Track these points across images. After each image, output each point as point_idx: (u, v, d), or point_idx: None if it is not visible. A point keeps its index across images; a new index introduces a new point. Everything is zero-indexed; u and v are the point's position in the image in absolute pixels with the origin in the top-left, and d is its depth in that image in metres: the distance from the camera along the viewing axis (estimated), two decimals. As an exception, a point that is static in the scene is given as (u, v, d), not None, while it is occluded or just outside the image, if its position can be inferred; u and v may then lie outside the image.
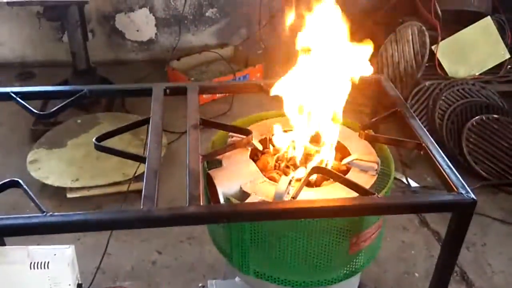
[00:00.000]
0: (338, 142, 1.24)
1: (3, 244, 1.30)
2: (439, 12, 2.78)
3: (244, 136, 1.19)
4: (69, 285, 1.05)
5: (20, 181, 0.99)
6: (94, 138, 1.14)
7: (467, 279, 1.92)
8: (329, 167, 1.18)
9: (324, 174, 1.13)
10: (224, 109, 2.91)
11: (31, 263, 1.02)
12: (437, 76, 2.81)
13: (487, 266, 1.98)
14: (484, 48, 2.89)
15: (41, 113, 1.31)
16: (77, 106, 2.62)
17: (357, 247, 1.16)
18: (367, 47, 1.13)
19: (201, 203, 0.96)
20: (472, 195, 1.00)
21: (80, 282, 1.09)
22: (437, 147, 1.14)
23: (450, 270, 1.11)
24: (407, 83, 2.79)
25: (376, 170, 1.16)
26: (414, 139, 1.18)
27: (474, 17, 2.89)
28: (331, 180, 1.13)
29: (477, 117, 2.53)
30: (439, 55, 2.82)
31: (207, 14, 3.48)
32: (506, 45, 2.91)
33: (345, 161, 1.21)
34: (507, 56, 2.91)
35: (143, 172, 1.04)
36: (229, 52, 3.43)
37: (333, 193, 1.09)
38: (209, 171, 1.14)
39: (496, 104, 2.65)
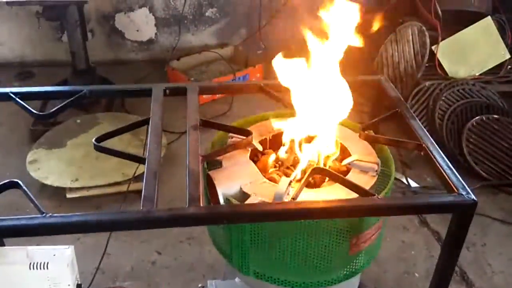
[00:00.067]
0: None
1: (2, 244, 1.30)
2: (439, 12, 2.77)
3: (244, 137, 1.18)
4: (69, 285, 1.05)
5: (19, 182, 0.99)
6: (94, 138, 1.14)
7: (467, 279, 1.91)
8: (329, 168, 1.18)
9: (324, 175, 1.13)
10: (224, 109, 2.91)
11: (30, 263, 1.02)
12: (437, 76, 2.81)
13: (487, 266, 1.98)
14: (484, 48, 2.89)
15: (41, 113, 1.31)
16: (77, 106, 2.62)
17: (357, 248, 1.16)
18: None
19: (201, 204, 0.96)
20: (473, 196, 0.99)
21: (79, 283, 1.09)
22: (438, 148, 1.14)
23: (450, 271, 1.11)
24: (407, 83, 2.79)
25: (376, 171, 1.16)
26: (414, 140, 1.18)
27: (474, 17, 2.88)
28: (331, 181, 1.13)
29: (477, 118, 2.53)
30: (439, 55, 2.82)
31: (207, 14, 3.48)
32: (506, 45, 2.91)
33: (345, 161, 1.20)
34: (507, 56, 2.91)
35: (143, 172, 1.04)
36: (229, 52, 3.42)
37: (333, 194, 1.09)
38: (209, 172, 1.13)
39: (496, 105, 2.65)
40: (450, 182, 1.04)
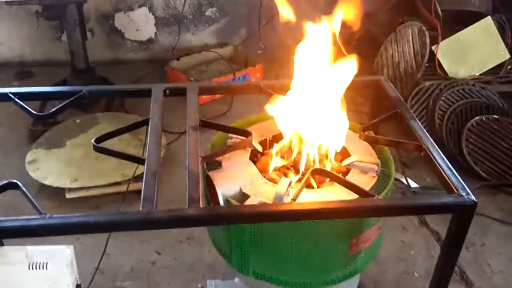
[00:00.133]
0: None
1: (2, 244, 1.30)
2: (439, 12, 2.77)
3: (244, 138, 1.18)
4: (68, 285, 1.04)
5: (18, 183, 0.99)
6: (93, 139, 1.14)
7: (467, 279, 1.92)
8: (328, 169, 1.17)
9: (324, 175, 1.13)
10: (224, 109, 2.91)
11: (29, 263, 1.01)
12: (437, 77, 2.81)
13: (487, 266, 1.98)
14: (484, 49, 2.89)
15: (40, 114, 1.30)
16: (76, 106, 2.61)
17: (357, 248, 1.16)
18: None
19: (201, 205, 0.95)
20: (473, 197, 0.99)
21: (79, 283, 1.09)
22: (438, 149, 1.13)
23: (450, 271, 1.11)
24: (407, 84, 2.79)
25: (376, 171, 1.16)
26: (414, 141, 1.18)
27: (474, 17, 2.88)
28: (331, 181, 1.13)
29: (477, 118, 2.53)
30: (439, 55, 2.82)
31: (206, 13, 3.48)
32: (506, 45, 2.90)
33: (345, 162, 1.20)
34: (507, 56, 2.91)
35: (142, 173, 1.04)
36: (229, 52, 3.42)
37: (333, 195, 1.09)
38: (208, 173, 1.13)
39: (496, 105, 2.65)
40: (450, 183, 1.03)
